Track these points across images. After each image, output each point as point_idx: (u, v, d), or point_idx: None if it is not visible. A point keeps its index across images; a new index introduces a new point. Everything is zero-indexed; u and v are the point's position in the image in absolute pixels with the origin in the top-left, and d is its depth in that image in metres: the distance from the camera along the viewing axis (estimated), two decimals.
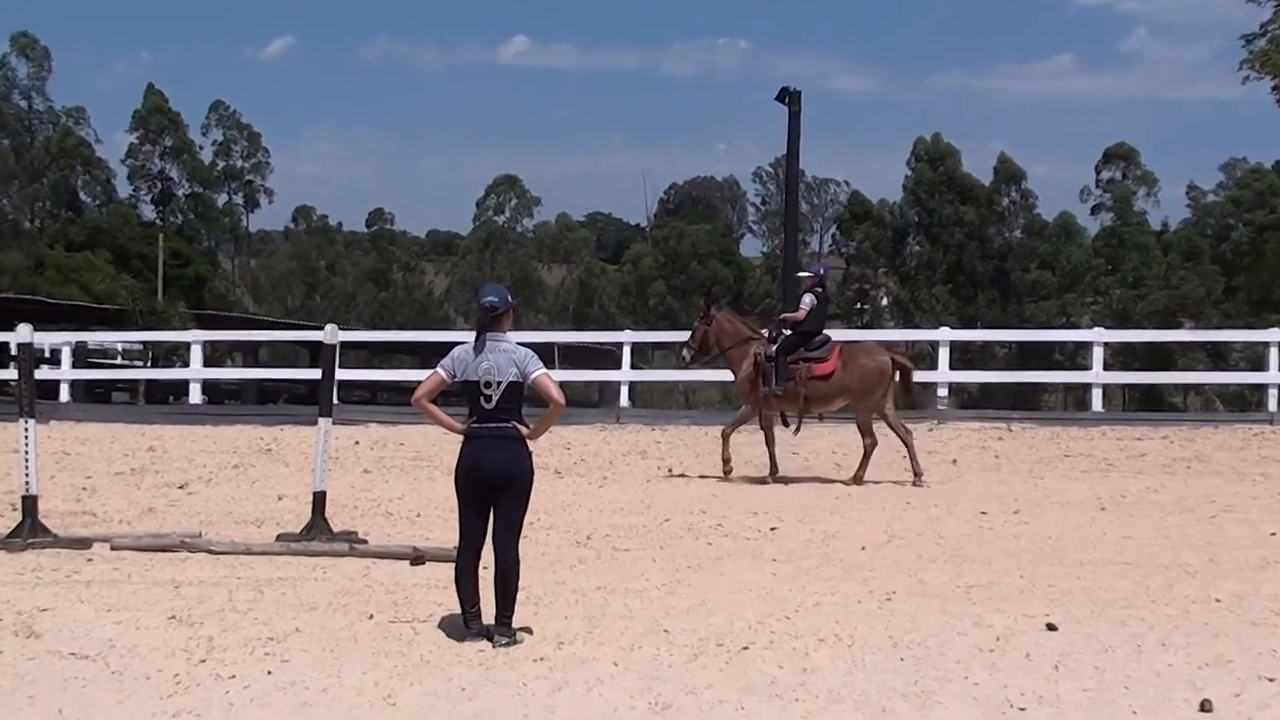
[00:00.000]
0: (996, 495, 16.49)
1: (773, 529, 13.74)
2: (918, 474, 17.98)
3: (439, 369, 9.12)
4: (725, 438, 18.54)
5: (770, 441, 18.45)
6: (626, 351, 28.75)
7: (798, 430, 19.10)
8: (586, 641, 8.98)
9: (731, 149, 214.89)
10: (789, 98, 33.74)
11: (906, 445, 18.34)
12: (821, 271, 19.33)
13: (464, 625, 9.06)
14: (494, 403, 8.93)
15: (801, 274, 19.79)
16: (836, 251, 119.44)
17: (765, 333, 18.93)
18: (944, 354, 27.54)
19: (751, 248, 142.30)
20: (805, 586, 10.83)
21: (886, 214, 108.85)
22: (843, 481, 17.98)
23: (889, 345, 20.94)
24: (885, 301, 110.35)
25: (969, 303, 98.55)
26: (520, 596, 9.12)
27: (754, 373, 18.41)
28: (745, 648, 8.79)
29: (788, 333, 18.58)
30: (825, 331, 18.92)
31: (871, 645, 8.88)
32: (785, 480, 18.08)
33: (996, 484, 17.88)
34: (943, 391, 26.79)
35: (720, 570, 11.63)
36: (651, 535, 13.49)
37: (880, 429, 18.36)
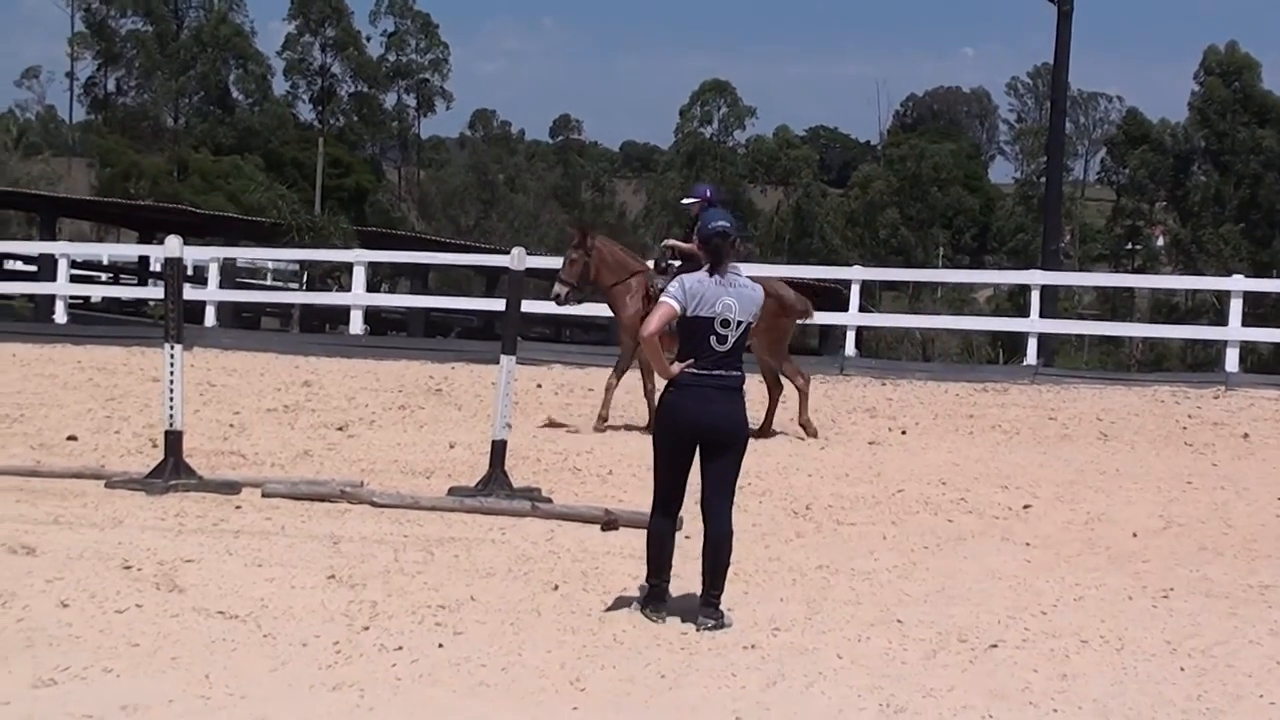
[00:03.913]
0: None
1: (1026, 507, 13.59)
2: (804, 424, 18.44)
3: (669, 299, 9.00)
4: (608, 389, 18.35)
5: (651, 393, 18.21)
6: (854, 291, 28.54)
7: None
8: (805, 629, 8.98)
9: (982, 55, 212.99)
10: None
11: (801, 393, 18.62)
12: (709, 194, 18.70)
13: (651, 599, 9.17)
14: (728, 345, 8.93)
15: (687, 200, 19.13)
16: (1107, 180, 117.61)
17: (650, 264, 18.59)
18: (1235, 307, 26.85)
19: (1002, 172, 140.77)
20: (1065, 577, 10.71)
21: (1167, 137, 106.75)
22: (802, 436, 18.20)
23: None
24: (1161, 241, 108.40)
25: (1264, 246, 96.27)
26: (729, 573, 9.12)
27: (645, 308, 17.96)
28: (993, 645, 8.71)
29: (677, 264, 18.18)
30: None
31: (1144, 650, 8.74)
32: None
33: None
34: (1233, 353, 26.13)
35: (963, 553, 11.56)
36: (881, 508, 13.43)
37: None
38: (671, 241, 18.80)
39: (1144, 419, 20.36)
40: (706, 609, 8.99)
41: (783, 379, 18.60)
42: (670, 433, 9.06)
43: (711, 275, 8.96)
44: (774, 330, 18.17)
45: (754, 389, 18.79)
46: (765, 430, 18.06)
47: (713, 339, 8.87)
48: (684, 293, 8.92)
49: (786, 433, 18.36)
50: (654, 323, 9.05)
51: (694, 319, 8.90)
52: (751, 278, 9.10)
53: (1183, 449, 17.83)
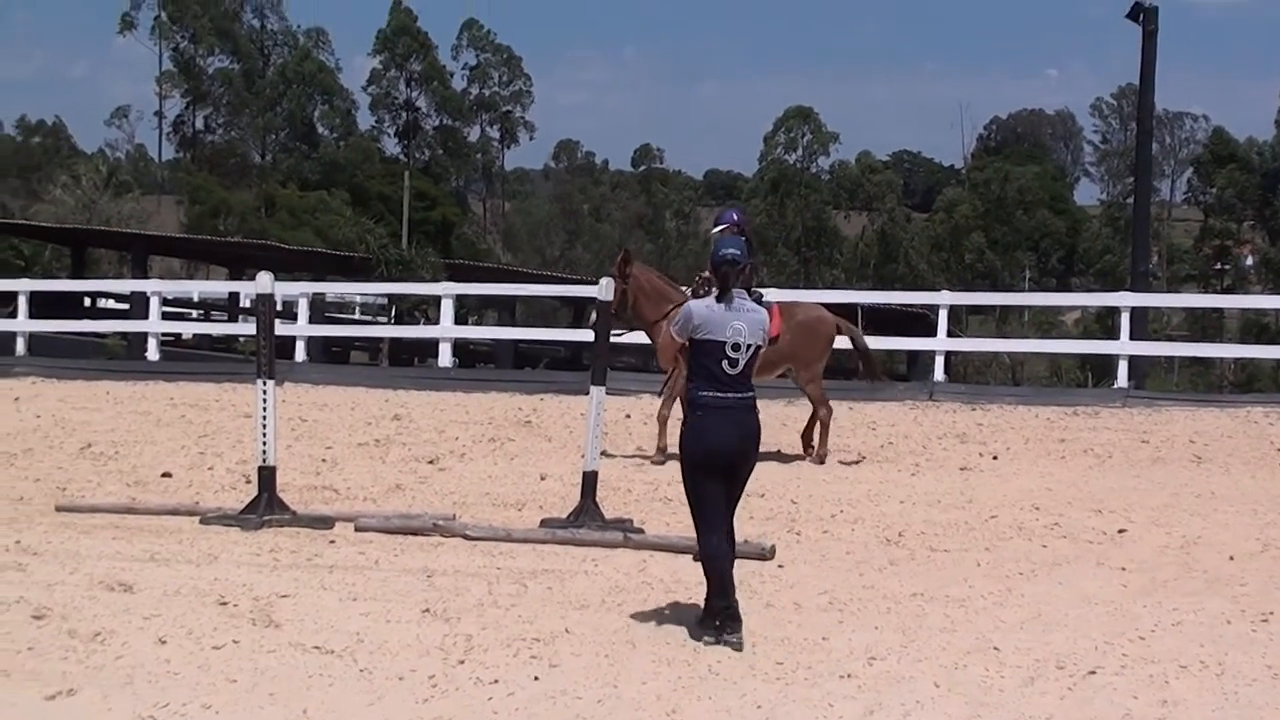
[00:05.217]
0: None
1: (1121, 531, 13.46)
2: (816, 450, 18.28)
3: (675, 334, 9.61)
4: (662, 421, 18.02)
5: (665, 420, 18.01)
6: (943, 316, 28.40)
7: None
8: (901, 657, 8.94)
9: (1065, 76, 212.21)
10: (1143, 14, 32.94)
11: (822, 423, 18.45)
12: (737, 218, 18.38)
13: (728, 621, 9.23)
14: (740, 367, 9.29)
15: (716, 227, 18.62)
16: (1194, 200, 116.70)
17: (688, 292, 18.34)
18: None
19: (1087, 194, 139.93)
20: (1162, 602, 10.59)
21: (1254, 155, 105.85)
22: (809, 460, 18.04)
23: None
24: (1250, 261, 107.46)
25: None
26: (823, 601, 9.11)
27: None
28: (1091, 672, 8.64)
29: (715, 292, 17.81)
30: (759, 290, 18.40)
31: (1246, 675, 8.64)
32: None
33: None
34: None
35: (1058, 579, 11.45)
36: (975, 534, 13.33)
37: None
38: (708, 273, 18.56)
39: (1238, 441, 20.11)
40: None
41: (810, 400, 18.53)
42: (707, 454, 9.29)
43: (719, 301, 9.39)
44: (809, 351, 18.28)
45: (781, 411, 18.98)
46: (818, 452, 18.18)
47: (725, 363, 9.24)
48: (687, 323, 9.39)
49: (876, 460, 18.28)
50: (675, 351, 10.09)
51: (705, 342, 9.28)
52: (786, 303, 9.33)
53: (1279, 470, 17.61)
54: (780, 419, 18.28)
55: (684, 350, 9.52)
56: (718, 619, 9.25)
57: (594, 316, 18.23)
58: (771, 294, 20.33)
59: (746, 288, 9.82)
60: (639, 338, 19.17)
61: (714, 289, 9.66)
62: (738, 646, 9.04)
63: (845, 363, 22.00)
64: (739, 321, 9.28)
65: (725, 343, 9.23)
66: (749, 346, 9.28)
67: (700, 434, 9.28)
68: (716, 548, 9.35)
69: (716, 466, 9.28)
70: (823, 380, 18.67)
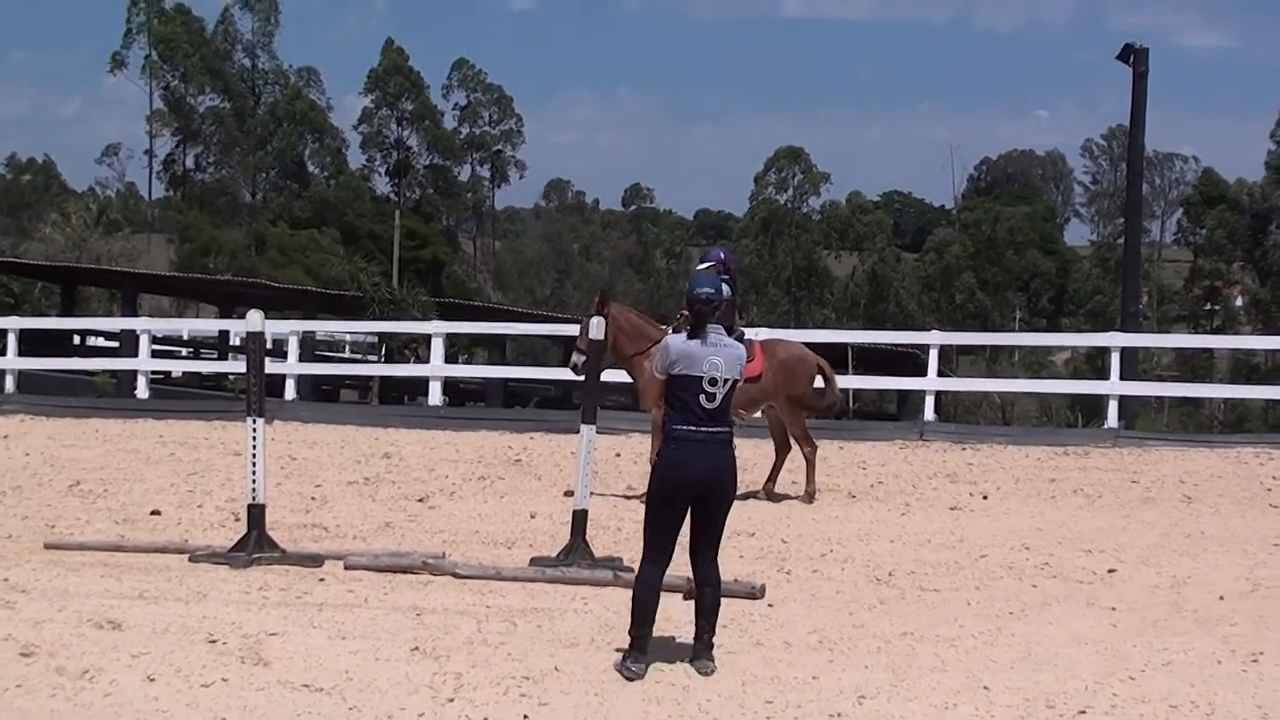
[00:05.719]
0: None
1: (1111, 571, 13.45)
2: (767, 489, 18.20)
3: (655, 370, 9.74)
4: (654, 463, 17.90)
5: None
6: (933, 356, 28.43)
7: None
8: (891, 697, 8.94)
9: (1056, 117, 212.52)
10: (1134, 56, 33.07)
11: (778, 458, 18.49)
12: (723, 256, 18.36)
13: (634, 650, 9.43)
14: (717, 402, 9.42)
15: (702, 265, 18.51)
16: (1184, 241, 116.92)
17: (669, 330, 18.32)
18: None
19: (1077, 234, 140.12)
20: (1152, 641, 10.59)
21: (1244, 196, 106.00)
22: (798, 498, 18.00)
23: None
24: (1240, 302, 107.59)
25: None
26: (813, 640, 9.10)
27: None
28: (1081, 712, 8.66)
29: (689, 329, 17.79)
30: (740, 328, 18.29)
31: (1236, 716, 8.66)
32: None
33: None
34: None
35: (1048, 618, 11.45)
36: (965, 573, 13.32)
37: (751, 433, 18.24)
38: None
39: (1228, 481, 20.13)
40: (708, 652, 9.49)
41: (791, 442, 18.47)
42: (673, 486, 9.46)
43: (692, 338, 9.48)
44: (791, 389, 18.20)
45: (749, 450, 18.93)
46: (769, 489, 18.11)
47: (702, 397, 9.37)
48: (665, 357, 9.51)
49: (866, 500, 18.28)
50: (649, 401, 9.56)
51: (682, 377, 9.40)
52: (767, 341, 9.36)
53: (1268, 510, 17.62)
54: (769, 457, 18.25)
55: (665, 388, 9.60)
56: (631, 644, 9.45)
57: (574, 357, 18.12)
58: (763, 333, 20.30)
59: (727, 326, 9.87)
60: (624, 376, 19.21)
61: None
62: (634, 676, 9.19)
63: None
64: (716, 356, 9.38)
65: (702, 377, 9.33)
66: (726, 381, 9.39)
67: (672, 466, 9.44)
68: (651, 578, 9.56)
69: (682, 499, 9.45)
70: (804, 423, 18.64)
